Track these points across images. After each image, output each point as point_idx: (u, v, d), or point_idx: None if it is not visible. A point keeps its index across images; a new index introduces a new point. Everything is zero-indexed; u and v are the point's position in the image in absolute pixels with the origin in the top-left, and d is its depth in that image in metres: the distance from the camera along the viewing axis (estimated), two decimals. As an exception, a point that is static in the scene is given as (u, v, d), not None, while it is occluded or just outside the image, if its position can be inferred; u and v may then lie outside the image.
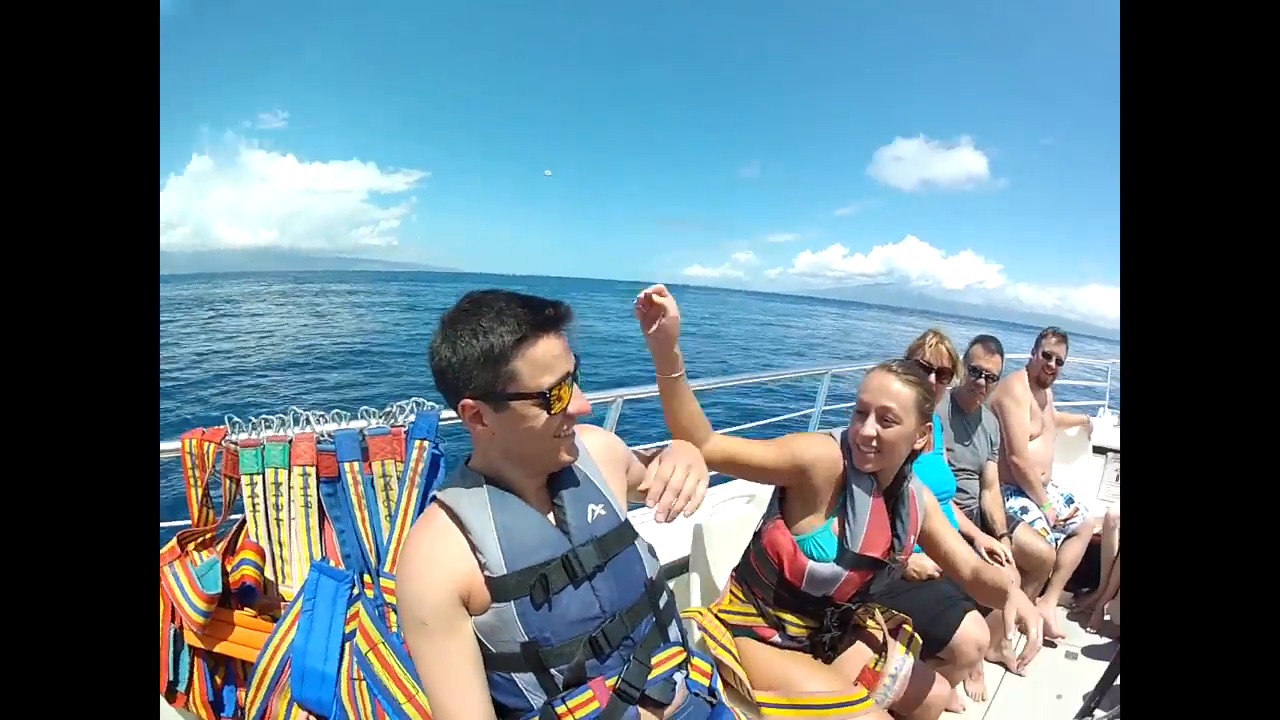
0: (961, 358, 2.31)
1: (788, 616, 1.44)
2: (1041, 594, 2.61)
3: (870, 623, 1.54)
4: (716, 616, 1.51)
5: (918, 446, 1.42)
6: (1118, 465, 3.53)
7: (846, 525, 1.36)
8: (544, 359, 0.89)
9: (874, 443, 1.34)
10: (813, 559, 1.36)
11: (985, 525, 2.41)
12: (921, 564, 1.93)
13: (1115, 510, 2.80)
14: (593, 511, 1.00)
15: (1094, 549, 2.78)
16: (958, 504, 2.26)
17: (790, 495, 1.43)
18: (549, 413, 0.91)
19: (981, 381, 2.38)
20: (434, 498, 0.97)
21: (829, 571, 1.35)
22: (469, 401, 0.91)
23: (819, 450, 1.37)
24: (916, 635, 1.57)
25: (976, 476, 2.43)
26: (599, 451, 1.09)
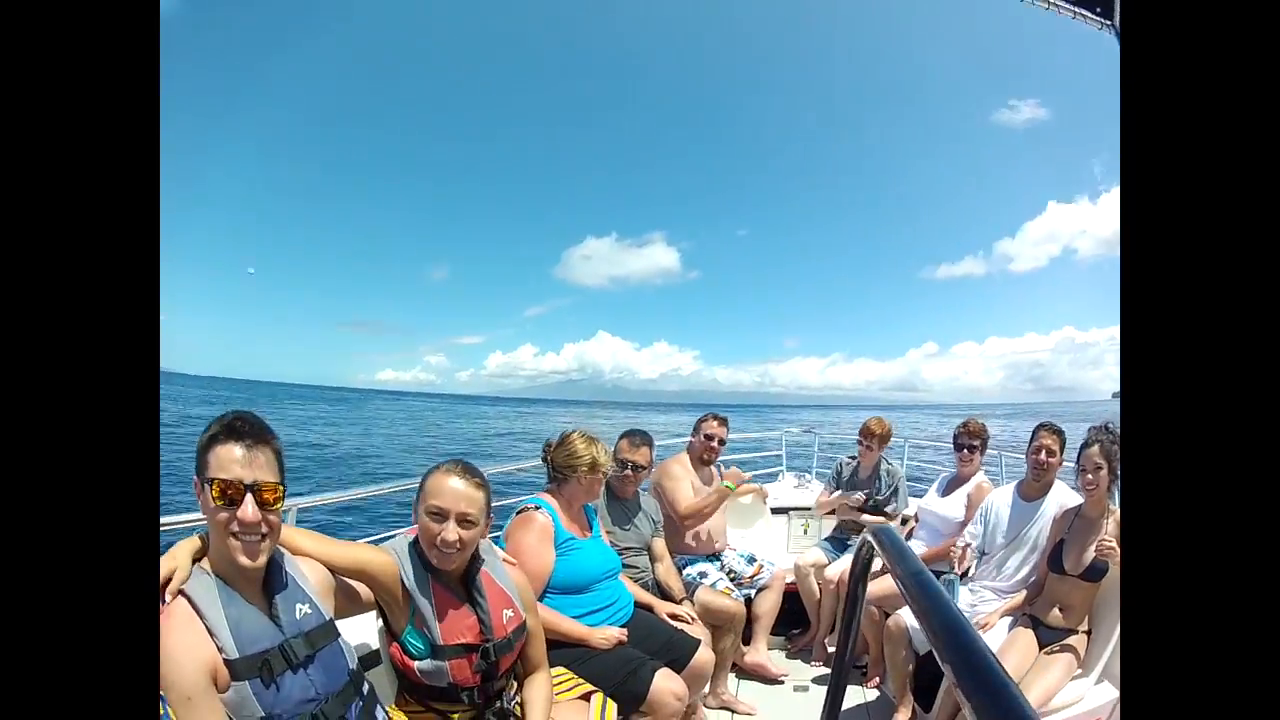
0: (611, 450, 2.54)
1: (444, 706, 1.55)
2: (748, 643, 2.93)
3: (563, 688, 1.75)
4: (403, 713, 1.60)
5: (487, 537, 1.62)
6: (802, 521, 4.04)
7: (423, 624, 1.49)
8: (224, 460, 1.12)
9: (457, 544, 1.46)
10: (414, 657, 1.49)
11: (664, 594, 2.64)
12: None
13: (803, 560, 3.28)
14: (299, 609, 1.22)
15: (794, 596, 3.19)
16: (631, 578, 2.49)
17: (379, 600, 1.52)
18: (213, 503, 1.11)
19: (629, 472, 2.61)
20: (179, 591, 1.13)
21: (430, 666, 1.49)
22: (196, 478, 1.14)
23: (372, 556, 1.46)
24: (609, 698, 1.76)
25: (645, 553, 2.68)
26: (305, 564, 1.32)
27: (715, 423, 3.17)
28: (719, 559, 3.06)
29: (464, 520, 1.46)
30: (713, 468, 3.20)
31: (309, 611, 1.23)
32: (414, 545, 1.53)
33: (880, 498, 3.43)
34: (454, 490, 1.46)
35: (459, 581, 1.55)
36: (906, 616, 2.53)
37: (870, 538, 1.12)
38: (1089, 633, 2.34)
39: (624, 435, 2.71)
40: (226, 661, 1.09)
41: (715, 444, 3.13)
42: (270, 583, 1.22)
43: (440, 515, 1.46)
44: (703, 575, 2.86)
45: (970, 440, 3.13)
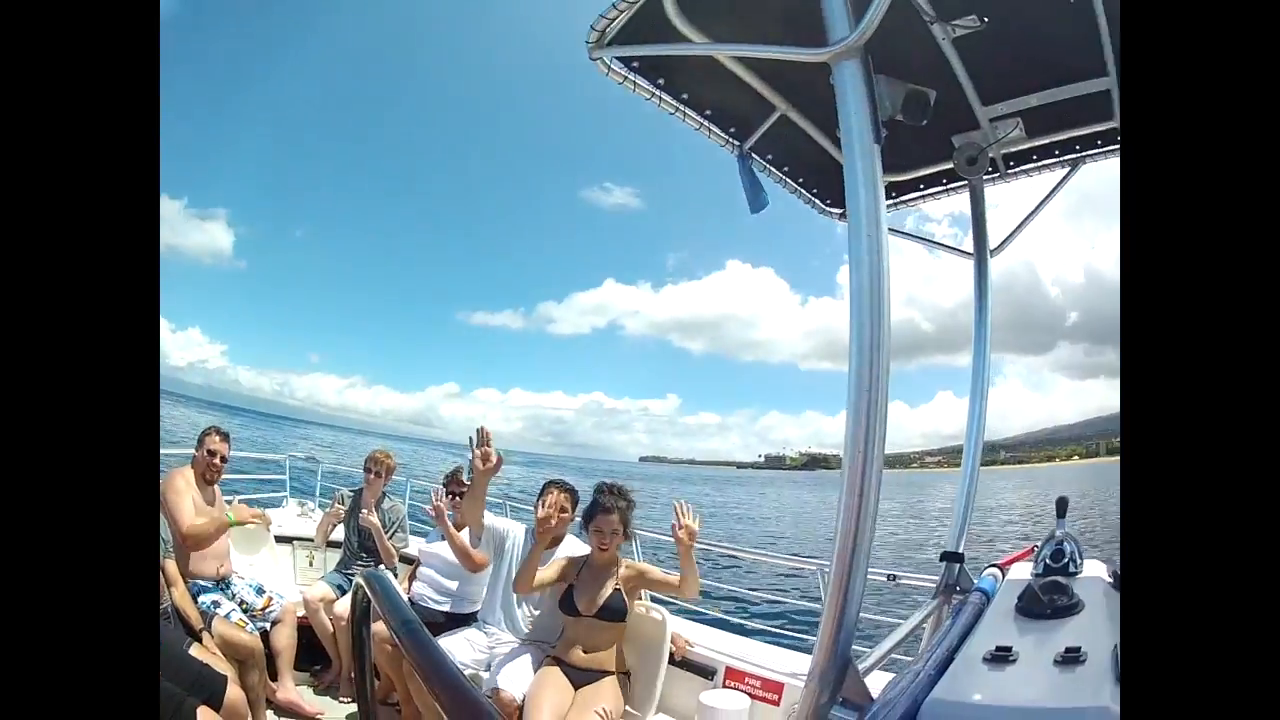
0: None
1: None
2: (275, 679, 2.82)
3: None
4: None
5: None
6: (307, 553, 3.87)
7: None
8: None
9: None
10: None
11: (183, 621, 2.49)
12: None
13: (310, 594, 3.13)
14: None
15: (308, 629, 3.08)
16: None
17: None
18: None
19: None
20: None
21: None
22: None
23: None
24: None
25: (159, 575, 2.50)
26: None
27: (218, 438, 3.02)
28: (229, 587, 2.91)
29: None
30: (215, 487, 3.06)
31: None
32: None
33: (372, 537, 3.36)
34: None
35: None
36: None
37: (363, 582, 1.16)
38: (628, 673, 2.44)
39: None
40: None
41: (218, 461, 3.00)
42: None
43: None
44: (216, 605, 2.72)
45: (459, 488, 3.14)
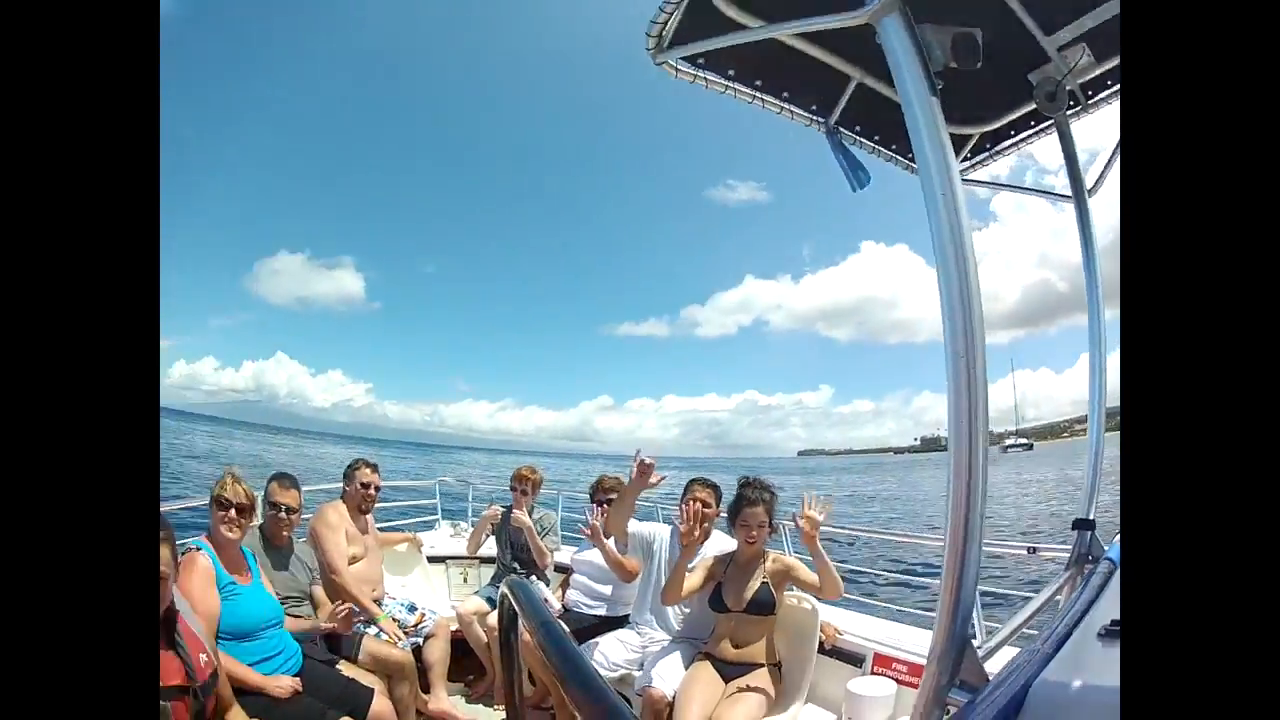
0: (262, 495, 2.59)
1: None
2: (427, 691, 2.91)
3: None
4: None
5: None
6: (460, 570, 4.09)
7: None
8: None
9: None
10: None
11: (330, 643, 2.63)
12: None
13: (463, 608, 3.26)
14: None
15: (464, 643, 3.20)
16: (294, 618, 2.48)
17: None
18: None
19: (282, 515, 2.58)
20: None
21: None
22: None
23: None
24: None
25: (308, 601, 2.68)
26: None
27: (369, 470, 3.15)
28: (380, 607, 3.01)
29: None
30: (369, 516, 3.20)
31: None
32: None
33: (524, 549, 3.44)
34: None
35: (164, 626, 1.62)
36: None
37: (507, 590, 1.19)
38: (779, 665, 2.44)
39: (273, 478, 2.67)
40: None
41: (372, 491, 3.14)
42: None
43: None
44: (368, 624, 2.83)
45: (606, 495, 3.20)
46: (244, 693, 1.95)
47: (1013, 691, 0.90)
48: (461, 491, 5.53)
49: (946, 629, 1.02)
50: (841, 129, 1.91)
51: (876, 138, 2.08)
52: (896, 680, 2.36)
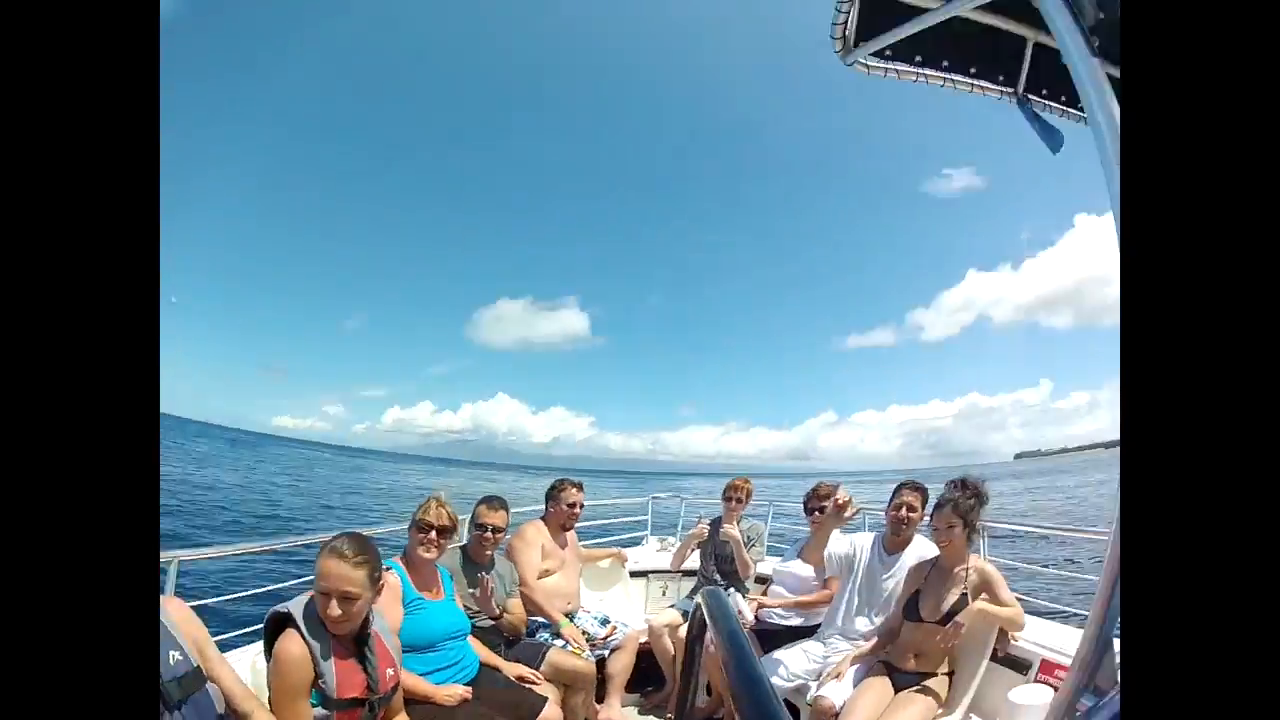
0: (469, 518, 2.80)
1: None
2: (601, 700, 2.99)
3: None
4: None
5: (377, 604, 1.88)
6: (661, 584, 4.14)
7: (321, 680, 1.70)
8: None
9: (341, 618, 1.70)
10: (313, 704, 1.70)
11: (509, 638, 2.76)
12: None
13: (655, 621, 3.32)
14: (172, 656, 1.40)
15: (650, 655, 3.27)
16: (482, 640, 2.60)
17: None
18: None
19: (488, 535, 2.75)
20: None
21: (321, 714, 1.70)
22: None
23: (287, 648, 1.69)
24: None
25: (503, 611, 2.78)
26: (175, 611, 1.57)
27: (573, 489, 3.29)
28: (571, 621, 3.09)
29: (344, 597, 1.69)
30: (571, 533, 3.33)
31: (180, 659, 1.36)
32: (312, 607, 1.74)
33: (730, 557, 3.48)
34: (335, 572, 1.69)
35: (352, 641, 1.78)
36: None
37: (700, 599, 1.20)
38: (950, 674, 2.38)
39: (481, 501, 2.83)
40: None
41: (576, 509, 3.28)
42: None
43: (325, 594, 1.69)
44: (557, 636, 2.93)
45: (819, 503, 3.24)
46: (413, 701, 2.06)
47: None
48: (674, 509, 5.56)
49: (1095, 630, 0.98)
50: (1030, 96, 1.85)
51: (1063, 98, 1.97)
52: (1056, 688, 2.27)
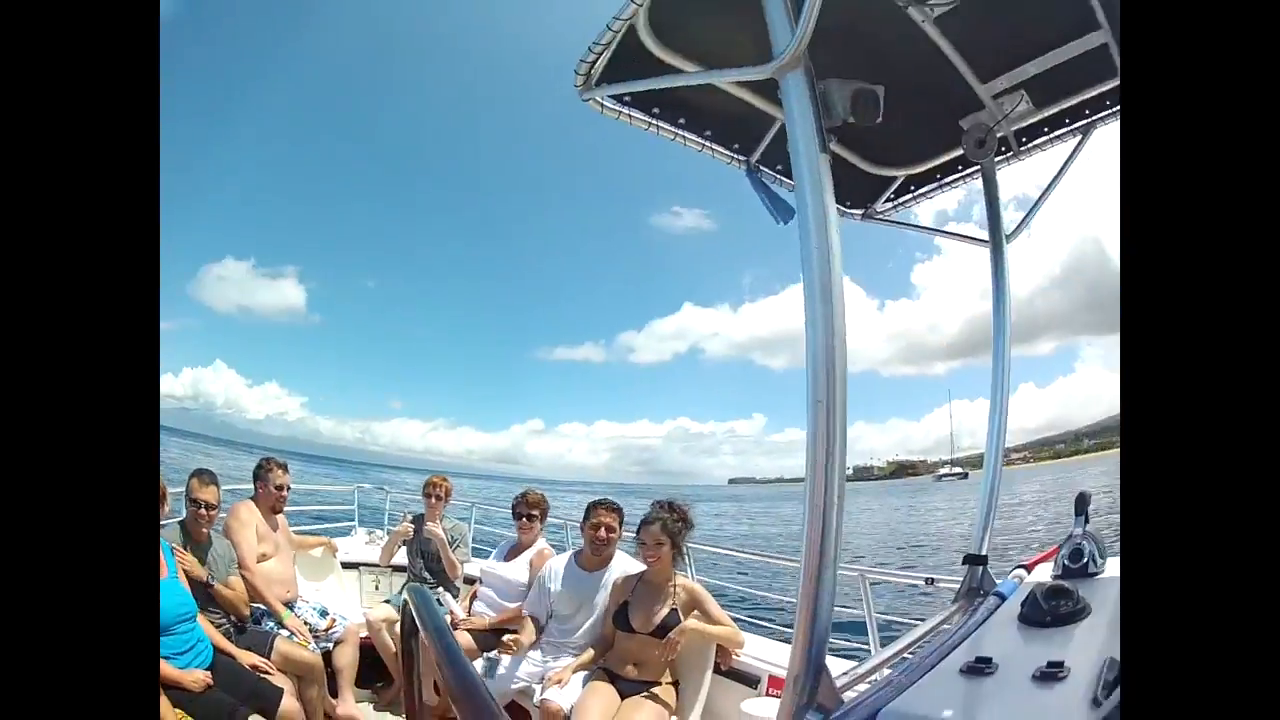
0: (183, 491, 2.72)
1: None
2: (335, 695, 2.96)
3: None
4: None
5: None
6: (373, 577, 4.12)
7: None
8: None
9: None
10: None
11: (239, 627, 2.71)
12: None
13: (373, 615, 3.30)
14: None
15: (373, 650, 3.23)
16: (211, 623, 2.53)
17: None
18: None
19: (202, 511, 2.71)
20: None
21: None
22: None
23: None
24: None
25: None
26: None
27: (280, 471, 3.27)
28: (292, 610, 3.07)
29: None
30: (280, 517, 3.30)
31: None
32: None
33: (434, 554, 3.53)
34: None
35: None
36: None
37: (407, 598, 1.25)
38: (676, 683, 2.48)
39: (193, 475, 2.77)
40: None
41: (284, 493, 3.27)
42: None
43: None
44: (280, 625, 2.90)
45: (529, 509, 3.32)
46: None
47: (861, 716, 0.93)
48: (379, 501, 5.56)
49: (803, 653, 1.07)
50: (763, 168, 1.97)
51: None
52: None
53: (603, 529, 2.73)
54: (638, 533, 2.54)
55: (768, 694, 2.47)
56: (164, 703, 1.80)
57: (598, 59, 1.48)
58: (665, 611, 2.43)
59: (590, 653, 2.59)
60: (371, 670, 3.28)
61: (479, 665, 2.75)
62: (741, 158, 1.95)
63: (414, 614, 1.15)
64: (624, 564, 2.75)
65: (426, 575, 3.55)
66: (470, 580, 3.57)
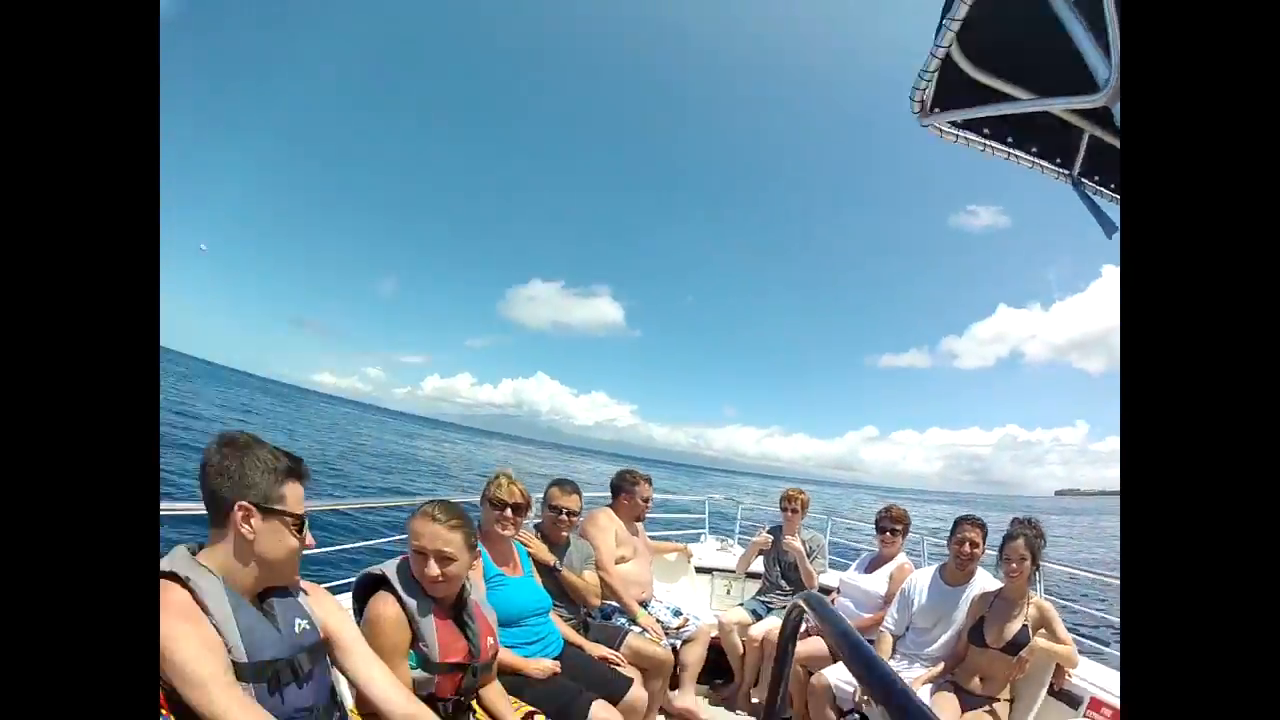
0: (543, 496, 2.82)
1: None
2: (674, 688, 3.11)
3: (500, 708, 1.92)
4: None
5: (472, 571, 1.87)
6: (725, 582, 4.33)
7: (422, 643, 1.69)
8: (298, 497, 1.27)
9: (439, 578, 1.68)
10: (412, 667, 1.68)
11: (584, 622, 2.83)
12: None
13: (725, 618, 3.48)
14: (299, 625, 1.30)
15: (717, 649, 3.39)
16: (562, 618, 2.65)
17: None
18: (297, 535, 1.25)
19: (563, 517, 2.76)
20: (170, 573, 1.15)
21: (421, 677, 1.68)
22: (245, 503, 1.19)
23: (382, 609, 1.66)
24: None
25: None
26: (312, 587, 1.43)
27: (645, 484, 3.38)
28: (646, 609, 3.17)
29: (442, 557, 1.67)
30: (639, 524, 3.41)
31: (307, 628, 1.33)
32: (406, 569, 1.72)
33: (791, 566, 3.60)
34: (431, 532, 1.67)
35: (449, 607, 1.77)
36: (829, 675, 2.74)
37: (802, 602, 1.26)
38: (1012, 700, 2.54)
39: (554, 483, 2.84)
40: (235, 663, 1.14)
41: (648, 504, 3.38)
42: (267, 592, 1.30)
43: (422, 554, 1.67)
44: (633, 622, 3.00)
45: (893, 524, 3.37)
46: (504, 672, 2.08)
47: None
48: (729, 509, 5.70)
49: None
50: (1084, 180, 1.99)
51: (1113, 186, 2.11)
52: None
53: (968, 544, 2.81)
54: (1001, 549, 2.62)
55: (1086, 715, 2.52)
56: (499, 690, 1.92)
57: (927, 86, 1.54)
58: (1018, 628, 2.50)
59: (941, 665, 2.68)
60: (715, 669, 3.44)
61: None
62: (1065, 171, 1.97)
63: (813, 616, 1.16)
64: (983, 580, 2.83)
65: (783, 584, 3.61)
66: (826, 590, 3.66)
